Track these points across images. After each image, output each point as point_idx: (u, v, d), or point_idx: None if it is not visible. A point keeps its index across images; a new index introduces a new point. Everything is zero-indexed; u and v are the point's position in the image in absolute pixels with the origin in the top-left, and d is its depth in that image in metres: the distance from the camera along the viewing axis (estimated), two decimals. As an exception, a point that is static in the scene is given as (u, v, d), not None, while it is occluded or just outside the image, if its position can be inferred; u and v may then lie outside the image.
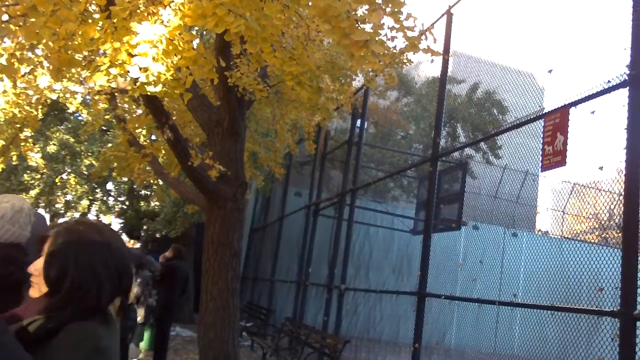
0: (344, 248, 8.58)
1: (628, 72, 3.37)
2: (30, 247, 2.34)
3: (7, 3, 3.41)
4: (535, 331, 7.87)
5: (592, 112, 3.96)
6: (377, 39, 2.95)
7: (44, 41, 3.50)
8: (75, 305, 1.32)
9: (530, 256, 12.32)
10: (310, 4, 3.13)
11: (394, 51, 4.13)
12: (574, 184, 15.09)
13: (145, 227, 21.72)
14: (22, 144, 9.58)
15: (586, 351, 6.07)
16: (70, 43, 3.57)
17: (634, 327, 3.13)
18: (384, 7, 3.01)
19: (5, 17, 3.41)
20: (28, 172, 18.33)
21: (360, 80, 9.09)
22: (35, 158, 12.43)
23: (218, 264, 5.68)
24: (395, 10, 3.05)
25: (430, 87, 16.26)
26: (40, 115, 9.09)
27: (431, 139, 6.45)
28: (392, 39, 3.66)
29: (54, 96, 8.45)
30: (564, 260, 9.56)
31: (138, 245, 24.04)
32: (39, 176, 19.00)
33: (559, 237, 15.38)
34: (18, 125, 8.79)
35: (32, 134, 10.28)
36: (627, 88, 3.38)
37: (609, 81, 3.59)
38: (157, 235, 16.74)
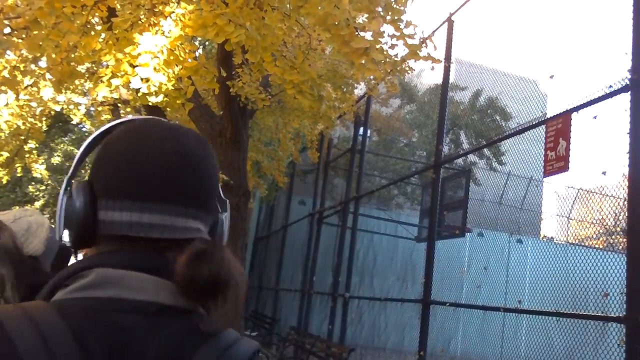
0: (348, 256, 8.56)
1: (629, 76, 3.36)
2: (43, 260, 2.41)
3: (9, 16, 3.44)
4: (542, 338, 7.81)
5: (594, 117, 3.95)
6: (377, 46, 2.96)
7: (47, 53, 3.52)
8: None
9: (535, 262, 12.26)
10: (309, 12, 3.15)
11: (395, 59, 4.14)
12: (578, 189, 15.04)
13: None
14: (27, 155, 9.63)
15: (593, 357, 6.03)
16: (72, 55, 3.60)
17: (640, 333, 3.10)
18: (383, 15, 3.02)
19: (7, 30, 3.44)
20: (33, 183, 18.43)
21: (362, 89, 9.11)
22: (39, 170, 12.48)
23: (222, 274, 5.66)
24: (396, 18, 3.07)
25: (432, 95, 16.28)
26: (44, 127, 9.15)
27: (434, 146, 6.45)
28: (393, 46, 3.66)
29: (57, 108, 8.50)
30: (570, 266, 9.51)
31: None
32: (43, 187, 19.08)
33: (564, 243, 15.30)
34: (22, 137, 8.84)
35: (37, 145, 10.34)
36: (629, 92, 3.37)
37: (610, 86, 3.59)
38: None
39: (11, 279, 1.45)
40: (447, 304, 5.78)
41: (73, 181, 0.78)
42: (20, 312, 0.69)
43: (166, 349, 0.72)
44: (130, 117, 0.89)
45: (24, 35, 3.56)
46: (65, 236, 0.79)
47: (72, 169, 0.82)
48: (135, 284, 0.73)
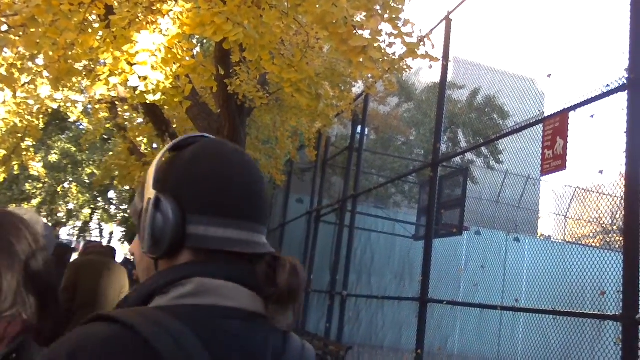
0: (346, 254, 8.57)
1: (627, 75, 3.37)
2: None
3: (7, 13, 3.43)
4: (539, 336, 7.84)
5: (592, 116, 3.96)
6: (375, 45, 2.96)
7: (44, 51, 3.51)
8: None
9: (532, 261, 12.28)
10: (307, 11, 3.15)
11: (393, 57, 4.14)
12: (575, 188, 15.07)
13: (147, 235, 21.66)
14: (24, 153, 9.61)
15: (590, 355, 6.05)
16: (70, 53, 3.59)
17: (637, 331, 3.11)
18: (381, 14, 3.02)
19: (5, 28, 3.43)
20: (30, 181, 18.39)
21: (360, 87, 9.11)
22: (36, 167, 12.44)
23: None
24: (394, 16, 3.07)
25: (430, 93, 16.29)
26: (41, 125, 9.13)
27: (432, 144, 6.45)
28: (391, 45, 3.67)
29: (54, 105, 8.48)
30: (567, 264, 9.53)
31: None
32: (40, 185, 19.04)
33: (562, 241, 15.34)
34: (19, 135, 8.83)
35: (34, 143, 10.32)
36: (626, 92, 3.38)
37: (607, 85, 3.59)
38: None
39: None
40: (445, 302, 5.79)
41: (159, 195, 0.83)
42: (143, 317, 0.73)
43: (274, 350, 0.82)
44: (193, 134, 0.94)
45: (21, 33, 3.55)
46: (146, 247, 0.84)
47: (152, 183, 0.85)
48: (229, 293, 0.81)
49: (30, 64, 4.65)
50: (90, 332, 0.71)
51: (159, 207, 0.82)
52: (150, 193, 0.84)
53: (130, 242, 22.73)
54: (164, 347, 0.70)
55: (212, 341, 0.75)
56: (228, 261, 0.83)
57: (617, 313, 3.23)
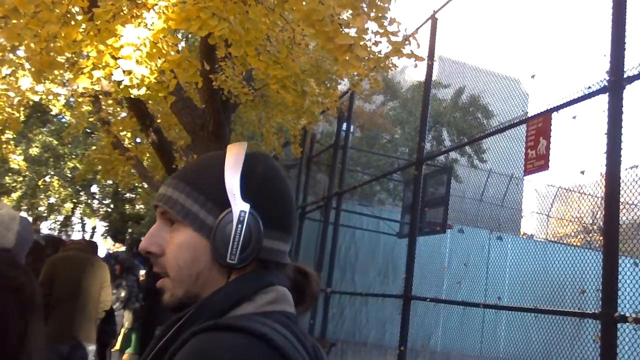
0: (330, 251, 8.58)
1: (607, 78, 3.42)
2: (16, 253, 2.40)
3: (-13, 4, 3.36)
4: (520, 333, 7.93)
5: (574, 117, 4.01)
6: (361, 43, 2.97)
7: (26, 43, 3.46)
8: None
9: (515, 259, 12.41)
10: (294, 8, 3.14)
11: (379, 56, 4.14)
12: (558, 187, 15.25)
13: (130, 230, 21.53)
14: (4, 146, 9.46)
15: (570, 353, 6.14)
16: (52, 45, 3.54)
17: (615, 329, 3.16)
18: (368, 12, 3.02)
19: (-15, 19, 3.37)
20: (10, 174, 18.11)
21: (346, 84, 9.11)
22: (17, 160, 12.27)
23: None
24: (380, 15, 3.07)
25: (415, 92, 16.35)
26: (22, 117, 8.99)
27: (416, 143, 6.48)
28: (377, 43, 3.67)
29: (36, 98, 8.36)
30: (548, 263, 9.66)
31: (123, 248, 23.88)
32: (21, 179, 18.75)
33: (544, 240, 15.53)
34: (0, 128, 8.68)
35: (14, 136, 10.16)
36: (607, 94, 3.42)
37: (589, 87, 3.64)
38: (142, 239, 16.62)
39: None
40: (428, 300, 5.84)
41: (245, 210, 0.88)
42: (266, 326, 0.79)
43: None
44: (259, 153, 1.02)
45: (2, 24, 3.48)
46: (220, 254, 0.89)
47: (240, 194, 0.90)
48: (290, 299, 0.92)
49: (11, 55, 4.57)
50: (231, 344, 0.75)
51: (247, 219, 0.88)
52: (241, 204, 0.88)
53: (112, 237, 22.53)
54: (294, 355, 0.78)
55: (305, 346, 0.84)
56: (280, 270, 0.94)
57: (596, 311, 3.28)
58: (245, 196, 0.89)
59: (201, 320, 0.82)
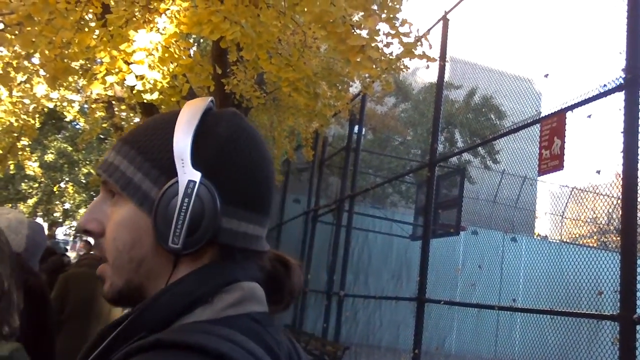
0: (343, 254, 8.56)
1: (623, 75, 3.38)
2: (27, 257, 2.42)
3: (3, 12, 3.41)
4: (536, 336, 7.85)
5: (589, 116, 3.97)
6: (373, 44, 2.96)
7: (40, 50, 3.50)
8: None
9: (529, 261, 12.30)
10: (305, 10, 3.14)
11: (390, 57, 4.14)
12: (572, 188, 15.10)
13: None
14: (20, 152, 9.57)
15: (587, 355, 6.06)
16: (66, 51, 3.58)
17: (634, 331, 3.12)
18: (379, 13, 3.01)
19: (1, 26, 3.41)
20: (26, 181, 18.33)
21: (357, 87, 9.10)
22: (32, 167, 12.41)
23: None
24: (391, 16, 3.06)
25: (427, 93, 16.32)
26: (37, 124, 9.10)
27: (429, 144, 6.45)
28: (388, 45, 3.66)
29: (50, 105, 8.46)
30: (564, 264, 9.55)
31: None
32: (36, 185, 18.97)
33: (558, 241, 15.37)
34: (15, 134, 8.79)
35: (30, 142, 10.28)
36: (623, 92, 3.38)
37: (604, 85, 3.60)
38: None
39: (8, 275, 1.46)
40: (442, 302, 5.79)
41: (195, 180, 0.68)
42: (226, 340, 0.62)
43: (289, 351, 0.76)
44: (226, 110, 0.78)
45: (17, 32, 3.53)
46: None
47: (190, 157, 0.70)
48: (261, 297, 0.73)
49: (26, 62, 4.63)
50: None
51: (198, 192, 0.68)
52: (190, 172, 0.68)
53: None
54: None
55: (273, 355, 0.67)
56: (251, 260, 0.74)
57: (614, 313, 3.23)
58: (197, 163, 0.69)
59: (140, 332, 0.64)
